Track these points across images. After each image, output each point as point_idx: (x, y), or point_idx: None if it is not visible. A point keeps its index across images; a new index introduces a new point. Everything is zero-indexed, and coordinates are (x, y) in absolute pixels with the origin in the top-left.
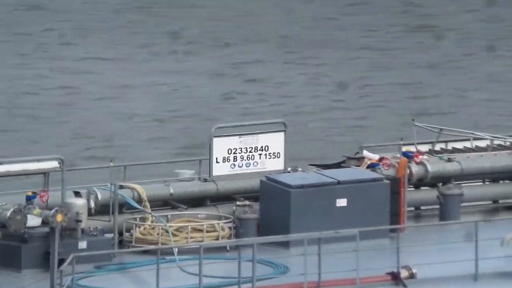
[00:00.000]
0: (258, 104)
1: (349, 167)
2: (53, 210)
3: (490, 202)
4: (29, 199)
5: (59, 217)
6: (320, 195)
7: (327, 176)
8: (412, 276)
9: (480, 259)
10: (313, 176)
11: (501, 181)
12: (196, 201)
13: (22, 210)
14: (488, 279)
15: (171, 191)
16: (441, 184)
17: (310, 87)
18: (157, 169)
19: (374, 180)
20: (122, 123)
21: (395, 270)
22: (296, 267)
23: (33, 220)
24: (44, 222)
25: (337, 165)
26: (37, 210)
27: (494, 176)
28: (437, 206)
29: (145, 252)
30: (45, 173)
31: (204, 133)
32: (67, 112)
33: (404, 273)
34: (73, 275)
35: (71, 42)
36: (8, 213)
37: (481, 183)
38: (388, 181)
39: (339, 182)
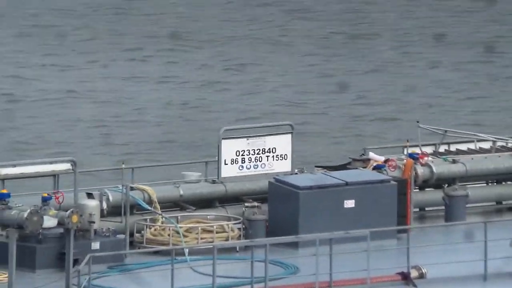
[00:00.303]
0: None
1: (355, 168)
2: (68, 211)
3: (494, 203)
4: (45, 200)
5: (74, 218)
6: (328, 196)
7: (335, 178)
8: (422, 276)
9: (489, 259)
10: (321, 178)
11: (504, 182)
12: (204, 202)
13: (39, 211)
14: (497, 279)
15: (181, 192)
16: (446, 185)
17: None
18: (160, 172)
19: (381, 181)
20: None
21: (405, 270)
22: (306, 267)
23: (49, 221)
24: (60, 223)
25: (343, 167)
26: (52, 211)
27: (498, 177)
28: (442, 207)
29: (156, 252)
30: (55, 175)
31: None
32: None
33: (414, 273)
34: (90, 275)
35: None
36: (25, 214)
37: (485, 184)
38: (396, 183)
39: (347, 184)
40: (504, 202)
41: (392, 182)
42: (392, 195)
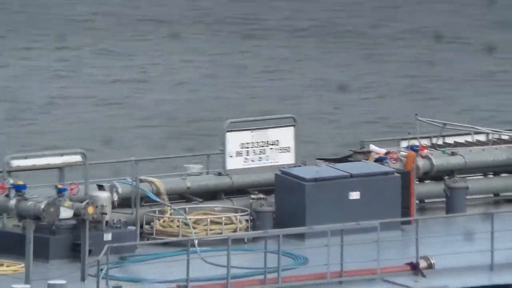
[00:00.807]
0: None
1: (357, 161)
2: (84, 203)
3: (492, 195)
4: (60, 191)
5: (90, 209)
6: (333, 188)
7: (340, 170)
8: (430, 266)
9: (495, 249)
10: (326, 170)
11: (502, 175)
12: (210, 194)
13: (55, 202)
14: (503, 268)
15: (188, 184)
16: (446, 177)
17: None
18: (162, 163)
19: (385, 173)
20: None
21: (413, 260)
22: (315, 258)
23: (65, 212)
24: (76, 214)
25: (345, 159)
26: (68, 203)
27: (495, 169)
28: (442, 199)
29: (165, 244)
30: (62, 168)
31: None
32: None
33: (422, 263)
34: (108, 265)
35: None
36: (42, 205)
37: (482, 177)
38: (399, 174)
39: (351, 176)
40: (501, 194)
41: (396, 174)
42: (396, 187)
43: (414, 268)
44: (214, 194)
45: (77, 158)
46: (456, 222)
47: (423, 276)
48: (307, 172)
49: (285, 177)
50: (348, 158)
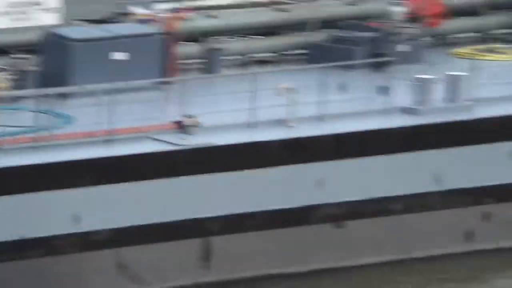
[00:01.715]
0: None
1: (118, 22)
2: None
3: (240, 56)
4: None
5: None
6: (100, 49)
7: (107, 31)
8: (195, 124)
9: (258, 108)
10: (94, 31)
11: (256, 36)
12: None
13: None
14: (264, 126)
15: None
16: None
17: None
18: None
19: (150, 34)
20: None
21: (180, 119)
22: (82, 117)
23: None
24: None
25: (105, 21)
26: None
27: (253, 31)
28: (198, 61)
29: None
30: None
31: None
32: None
33: (188, 122)
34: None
35: None
36: None
37: (235, 38)
38: (163, 36)
39: (118, 37)
40: (252, 55)
41: (160, 36)
42: (160, 48)
43: (180, 126)
44: None
45: None
46: (217, 83)
47: (189, 134)
48: (75, 32)
49: (52, 37)
50: (112, 20)
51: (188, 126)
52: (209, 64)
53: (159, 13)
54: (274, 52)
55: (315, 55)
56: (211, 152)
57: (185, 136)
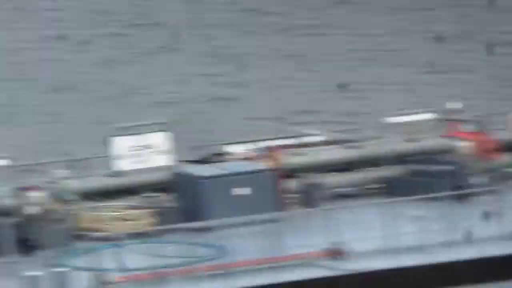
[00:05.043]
0: None
1: (216, 162)
2: None
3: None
4: None
5: None
6: (224, 184)
7: (224, 169)
8: (345, 251)
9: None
10: (214, 169)
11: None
12: (106, 194)
13: None
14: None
15: (92, 185)
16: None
17: None
18: None
19: (263, 171)
20: None
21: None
22: (235, 247)
23: None
24: None
25: (206, 161)
26: None
27: (337, 167)
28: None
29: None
30: None
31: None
32: None
33: (341, 249)
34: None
35: None
36: None
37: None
38: (273, 172)
39: (238, 174)
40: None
41: (270, 172)
42: (273, 183)
43: (334, 253)
44: (110, 194)
45: None
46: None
47: (343, 260)
48: (201, 171)
49: (182, 175)
50: (209, 160)
51: (341, 252)
52: (308, 197)
53: (254, 151)
54: (353, 186)
55: (396, 189)
56: (373, 276)
57: (341, 262)
